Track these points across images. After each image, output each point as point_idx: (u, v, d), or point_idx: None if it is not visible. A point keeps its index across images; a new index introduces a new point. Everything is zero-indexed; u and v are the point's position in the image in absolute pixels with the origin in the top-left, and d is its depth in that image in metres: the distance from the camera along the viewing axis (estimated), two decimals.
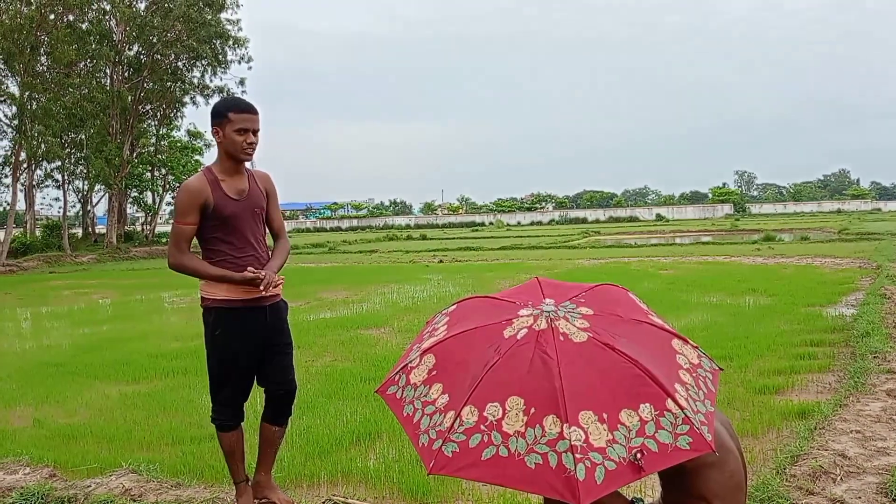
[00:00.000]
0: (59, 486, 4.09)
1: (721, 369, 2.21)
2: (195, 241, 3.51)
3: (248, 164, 3.61)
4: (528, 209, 79.24)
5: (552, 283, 2.32)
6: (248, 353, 3.53)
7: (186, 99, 39.21)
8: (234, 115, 3.37)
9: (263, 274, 3.38)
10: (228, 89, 37.88)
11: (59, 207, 38.15)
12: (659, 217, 63.61)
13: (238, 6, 37.10)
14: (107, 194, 38.49)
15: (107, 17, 34.32)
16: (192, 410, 5.71)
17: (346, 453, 4.56)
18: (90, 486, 4.08)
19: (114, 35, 34.69)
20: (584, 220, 66.08)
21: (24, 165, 31.67)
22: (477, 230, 54.60)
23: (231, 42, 37.03)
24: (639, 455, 1.78)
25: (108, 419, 5.66)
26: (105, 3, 33.44)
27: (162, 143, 43.31)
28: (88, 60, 33.68)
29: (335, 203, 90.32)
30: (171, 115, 41.32)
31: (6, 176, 32.81)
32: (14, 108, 30.77)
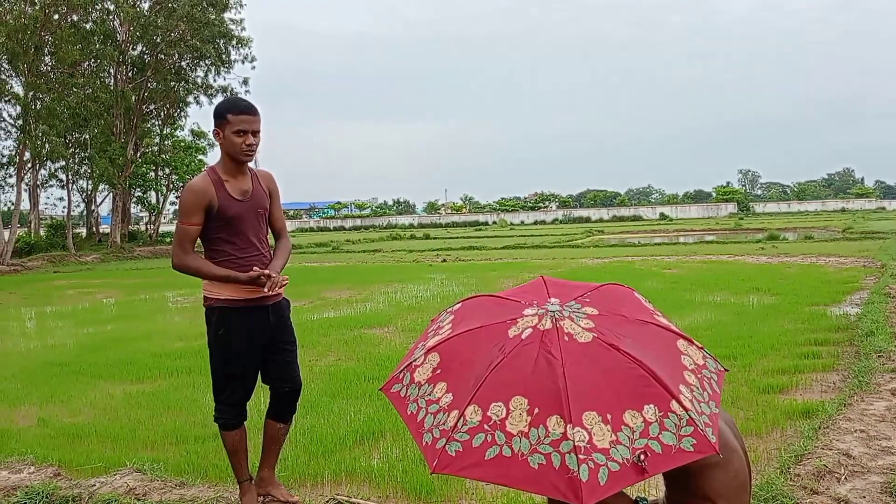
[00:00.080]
0: (64, 486, 4.10)
1: (726, 370, 2.20)
2: (198, 240, 3.52)
3: (251, 164, 3.61)
4: (532, 208, 79.21)
5: (557, 282, 2.31)
6: (251, 352, 3.54)
7: (190, 99, 39.27)
8: (232, 116, 3.36)
9: (270, 273, 3.39)
10: (232, 89, 37.93)
11: (64, 207, 38.24)
12: (662, 216, 63.54)
13: (241, 6, 37.12)
14: (111, 194, 38.56)
15: (111, 17, 34.35)
16: (195, 410, 5.72)
17: (350, 452, 4.56)
18: (95, 485, 4.08)
19: (117, 35, 34.73)
20: (588, 220, 66.05)
21: (29, 165, 31.74)
22: (480, 229, 54.59)
23: (234, 42, 37.02)
24: (642, 456, 1.77)
25: (113, 418, 5.67)
26: (109, 2, 33.46)
27: (166, 142, 43.34)
28: (92, 60, 33.75)
29: (339, 202, 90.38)
30: (175, 114, 41.37)
31: (11, 176, 32.89)
32: (18, 108, 30.83)
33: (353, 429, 4.96)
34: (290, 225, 68.63)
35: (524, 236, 36.83)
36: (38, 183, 34.76)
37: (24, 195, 33.07)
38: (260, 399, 4.57)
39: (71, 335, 10.28)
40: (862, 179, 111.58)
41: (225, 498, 3.85)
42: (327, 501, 3.81)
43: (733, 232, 35.25)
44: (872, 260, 15.35)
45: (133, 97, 35.52)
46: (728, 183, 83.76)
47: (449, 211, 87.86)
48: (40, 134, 29.94)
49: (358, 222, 76.10)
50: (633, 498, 2.26)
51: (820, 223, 38.81)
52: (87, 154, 35.29)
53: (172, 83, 37.50)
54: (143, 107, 37.82)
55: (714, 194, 75.56)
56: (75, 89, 31.90)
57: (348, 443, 4.71)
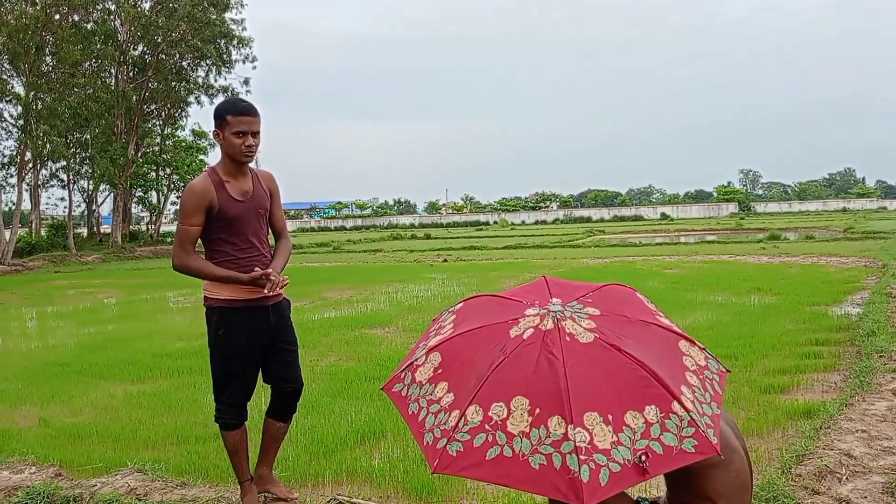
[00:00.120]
0: (65, 486, 4.11)
1: (728, 371, 2.20)
2: (198, 240, 3.52)
3: (252, 164, 3.62)
4: (533, 208, 79.22)
5: (559, 282, 2.31)
6: (252, 352, 3.55)
7: (191, 99, 39.25)
8: (232, 117, 3.36)
9: (271, 274, 3.39)
10: (233, 89, 37.92)
11: (65, 207, 38.24)
12: (664, 216, 63.51)
13: (242, 6, 37.13)
14: (112, 194, 38.54)
15: (112, 17, 34.35)
16: (196, 410, 5.72)
17: (351, 452, 4.56)
18: (96, 485, 4.09)
19: (119, 35, 34.74)
20: (589, 220, 66.04)
21: (30, 165, 31.73)
22: (481, 229, 54.58)
23: (235, 42, 37.02)
24: (643, 457, 1.77)
25: (114, 418, 5.67)
26: (110, 2, 33.46)
27: (167, 142, 43.36)
28: (93, 60, 33.75)
29: (339, 202, 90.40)
30: (176, 114, 41.36)
31: (12, 176, 32.88)
32: (19, 108, 30.83)
33: (355, 429, 4.96)
34: (290, 225, 68.76)
35: (525, 236, 36.82)
36: (40, 183, 34.78)
37: (26, 195, 33.14)
38: (260, 399, 4.57)
39: (72, 335, 10.28)
40: (863, 179, 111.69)
41: (226, 498, 3.85)
42: (328, 501, 3.81)
43: (734, 232, 35.23)
44: (874, 260, 15.34)
45: (134, 97, 35.54)
46: (729, 183, 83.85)
47: (450, 211, 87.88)
48: (41, 134, 29.96)
49: (359, 222, 76.09)
50: (635, 498, 2.26)
51: (821, 223, 38.79)
52: (88, 154, 35.29)
53: (173, 83, 37.51)
54: (144, 107, 37.84)
55: (715, 194, 75.55)
56: (76, 89, 31.90)
57: (349, 443, 4.71)
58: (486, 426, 1.86)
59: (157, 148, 42.60)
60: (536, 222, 66.96)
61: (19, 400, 6.46)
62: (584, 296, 2.18)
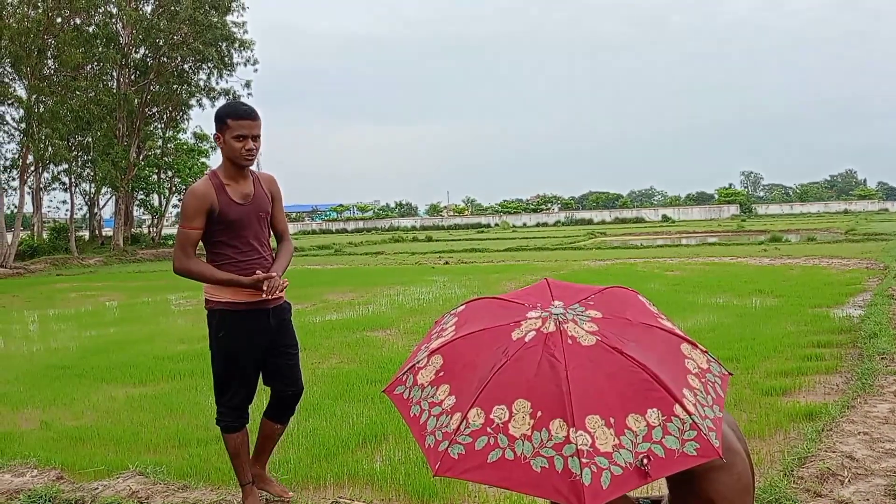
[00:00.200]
0: (67, 489, 4.11)
1: (730, 374, 2.19)
2: (200, 243, 3.53)
3: (253, 167, 3.62)
4: (534, 210, 79.23)
5: (561, 284, 2.31)
6: (252, 355, 3.55)
7: (193, 101, 39.29)
8: (232, 121, 3.37)
9: (272, 276, 3.40)
10: (234, 92, 38.00)
11: (67, 210, 38.25)
12: (665, 218, 63.53)
13: (244, 9, 37.22)
14: (113, 197, 38.59)
15: (113, 21, 34.42)
16: (198, 413, 5.72)
17: (353, 455, 4.56)
18: (97, 488, 4.09)
19: (120, 38, 34.80)
20: (590, 222, 66.03)
21: (32, 168, 31.77)
22: (482, 231, 54.58)
23: (237, 44, 37.10)
24: (645, 460, 1.77)
25: (115, 421, 5.67)
26: (111, 6, 33.52)
27: (168, 145, 43.41)
28: (95, 63, 33.79)
29: (341, 205, 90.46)
30: (178, 117, 41.41)
31: (14, 179, 32.93)
32: (21, 111, 30.91)
33: (356, 431, 4.96)
34: (292, 227, 68.77)
35: (526, 238, 36.82)
36: (41, 186, 34.80)
37: (27, 198, 33.22)
38: (262, 401, 4.57)
39: (73, 338, 10.29)
40: (864, 181, 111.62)
41: (227, 501, 3.85)
42: None
43: (735, 234, 35.21)
44: (875, 262, 15.33)
45: (136, 100, 35.60)
46: (730, 185, 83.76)
47: (451, 213, 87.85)
48: (43, 137, 30.00)
49: (360, 225, 76.09)
50: (636, 500, 2.26)
51: (822, 225, 38.78)
52: (89, 157, 35.34)
53: (175, 86, 37.56)
54: (146, 110, 37.89)
55: (716, 196, 75.51)
56: (78, 92, 31.94)
57: (351, 445, 4.71)
58: (488, 429, 1.86)
59: (158, 151, 42.66)
60: (538, 224, 67.02)
61: (21, 403, 6.46)
62: (586, 298, 2.18)
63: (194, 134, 45.46)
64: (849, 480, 3.64)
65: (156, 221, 45.05)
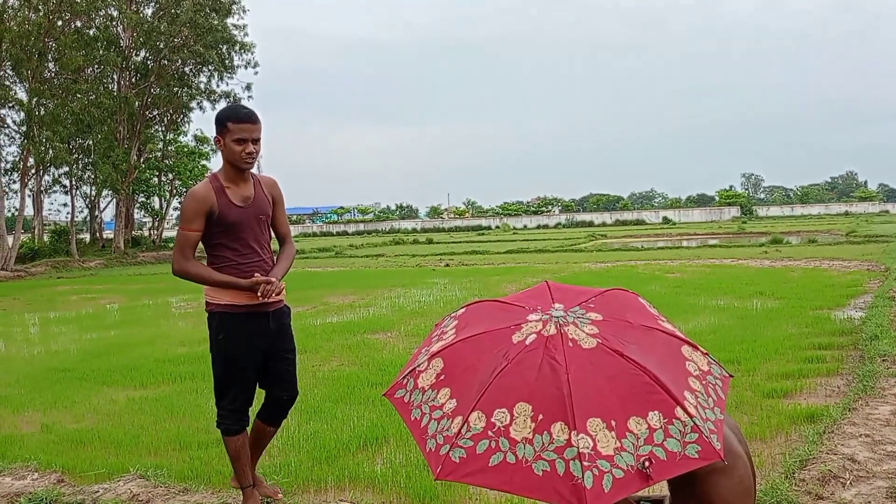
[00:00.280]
0: (68, 492, 4.11)
1: (731, 375, 2.19)
2: (200, 245, 3.53)
3: (254, 170, 3.63)
4: (535, 213, 79.24)
5: (561, 287, 2.31)
6: (252, 357, 3.55)
7: (193, 104, 39.35)
8: (233, 124, 3.38)
9: (270, 280, 3.41)
10: (235, 94, 37.99)
11: (67, 213, 38.36)
12: (665, 220, 63.52)
13: (244, 11, 37.27)
14: (114, 199, 38.62)
15: (114, 23, 34.48)
16: (199, 415, 5.72)
17: (354, 458, 4.55)
18: (98, 491, 4.09)
19: (121, 41, 34.84)
20: (591, 224, 66.01)
21: (33, 171, 31.80)
22: (483, 234, 54.59)
23: (237, 47, 37.13)
24: (647, 463, 1.77)
25: (116, 424, 5.67)
26: (112, 8, 33.55)
27: (169, 148, 43.47)
28: (96, 66, 33.84)
29: (342, 207, 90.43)
30: (178, 120, 41.45)
31: (14, 181, 32.98)
32: (22, 114, 30.93)
33: (357, 434, 4.95)
34: (293, 230, 68.60)
35: (527, 240, 36.84)
36: (42, 189, 34.86)
37: (28, 201, 33.21)
38: (256, 403, 4.57)
39: (74, 341, 10.29)
40: (865, 183, 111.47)
41: None
42: None
43: (736, 236, 35.23)
44: (876, 263, 15.32)
45: (136, 103, 35.63)
46: (731, 187, 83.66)
47: (452, 215, 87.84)
48: (44, 140, 30.04)
49: (361, 227, 76.06)
50: (637, 501, 2.26)
51: (823, 227, 38.78)
52: (90, 160, 35.39)
53: (175, 89, 37.60)
54: (147, 112, 37.92)
55: (717, 198, 75.50)
56: (79, 95, 32.00)
57: (352, 448, 4.71)
58: (489, 432, 1.86)
59: (159, 153, 42.72)
60: (538, 227, 67.03)
61: (22, 406, 6.46)
62: (587, 301, 2.18)
63: (195, 137, 45.53)
64: (850, 483, 3.64)
65: (156, 224, 45.08)
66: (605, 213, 72.86)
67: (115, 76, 35.93)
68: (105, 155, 33.96)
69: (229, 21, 36.74)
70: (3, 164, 32.85)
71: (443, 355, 2.14)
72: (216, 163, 44.99)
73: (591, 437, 1.78)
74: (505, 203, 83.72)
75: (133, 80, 36.67)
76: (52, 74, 31.75)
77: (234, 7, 36.53)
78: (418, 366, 2.17)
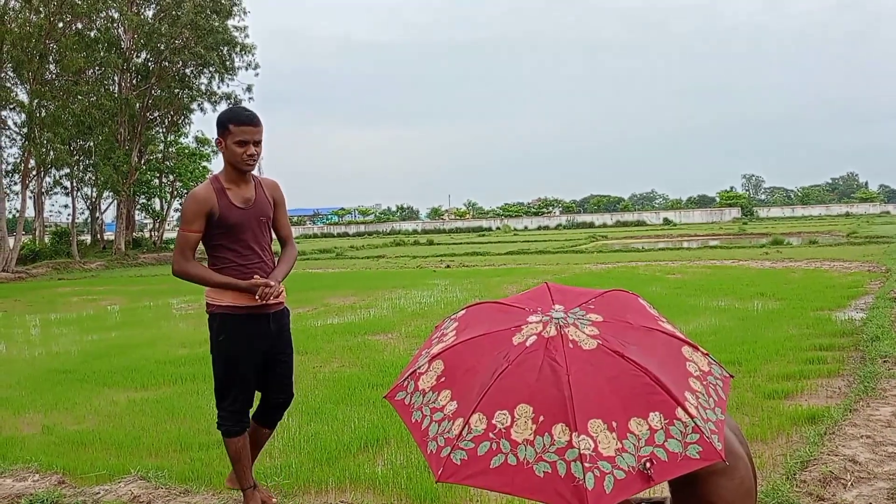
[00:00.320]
0: (68, 493, 4.11)
1: (732, 376, 2.19)
2: (201, 246, 3.53)
3: (255, 172, 3.63)
4: (535, 214, 79.31)
5: (561, 288, 2.31)
6: (252, 359, 3.56)
7: (194, 106, 39.34)
8: (234, 126, 3.39)
9: (269, 282, 3.41)
10: (236, 96, 38.04)
11: (68, 214, 38.33)
12: (666, 221, 63.56)
13: (245, 13, 37.31)
14: (115, 201, 38.63)
15: (115, 25, 34.51)
16: (200, 417, 5.72)
17: (354, 459, 4.55)
18: (99, 492, 4.08)
19: (122, 43, 34.88)
20: (592, 225, 66.05)
21: (34, 173, 31.82)
22: (484, 235, 54.60)
23: (238, 49, 37.16)
24: (648, 464, 1.77)
25: (117, 426, 5.67)
26: (113, 10, 33.59)
27: (170, 149, 43.47)
28: (97, 68, 33.87)
29: (342, 209, 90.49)
30: (179, 121, 41.47)
31: (15, 183, 32.98)
32: (23, 116, 30.93)
33: (358, 436, 4.95)
34: (293, 231, 68.70)
35: (528, 242, 36.84)
36: (43, 190, 34.84)
37: (29, 202, 33.23)
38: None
39: (75, 342, 10.29)
40: (866, 184, 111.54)
41: None
42: None
43: (737, 237, 35.24)
44: (877, 264, 15.31)
45: (137, 104, 35.66)
46: (732, 188, 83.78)
47: (452, 217, 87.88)
48: (45, 141, 30.06)
49: (361, 228, 76.13)
50: (638, 501, 2.26)
51: (824, 228, 38.79)
52: (91, 161, 35.39)
53: (176, 90, 37.61)
54: (148, 114, 37.95)
55: (718, 199, 75.56)
56: (80, 97, 32.01)
57: (352, 450, 4.71)
58: (490, 434, 1.86)
59: (160, 155, 42.72)
60: (539, 228, 67.07)
61: (23, 407, 6.46)
62: (587, 302, 2.18)
63: (196, 138, 45.53)
64: (851, 484, 3.64)
65: (157, 225, 45.06)
66: (606, 215, 72.91)
67: (115, 78, 35.95)
68: (106, 156, 33.98)
69: (230, 23, 36.80)
70: (4, 166, 32.83)
71: (443, 357, 2.14)
72: (217, 164, 45.05)
73: (593, 438, 1.78)
74: (506, 204, 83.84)
75: (134, 81, 36.69)
76: (53, 76, 31.79)
77: (235, 8, 36.58)
78: (419, 368, 2.17)
